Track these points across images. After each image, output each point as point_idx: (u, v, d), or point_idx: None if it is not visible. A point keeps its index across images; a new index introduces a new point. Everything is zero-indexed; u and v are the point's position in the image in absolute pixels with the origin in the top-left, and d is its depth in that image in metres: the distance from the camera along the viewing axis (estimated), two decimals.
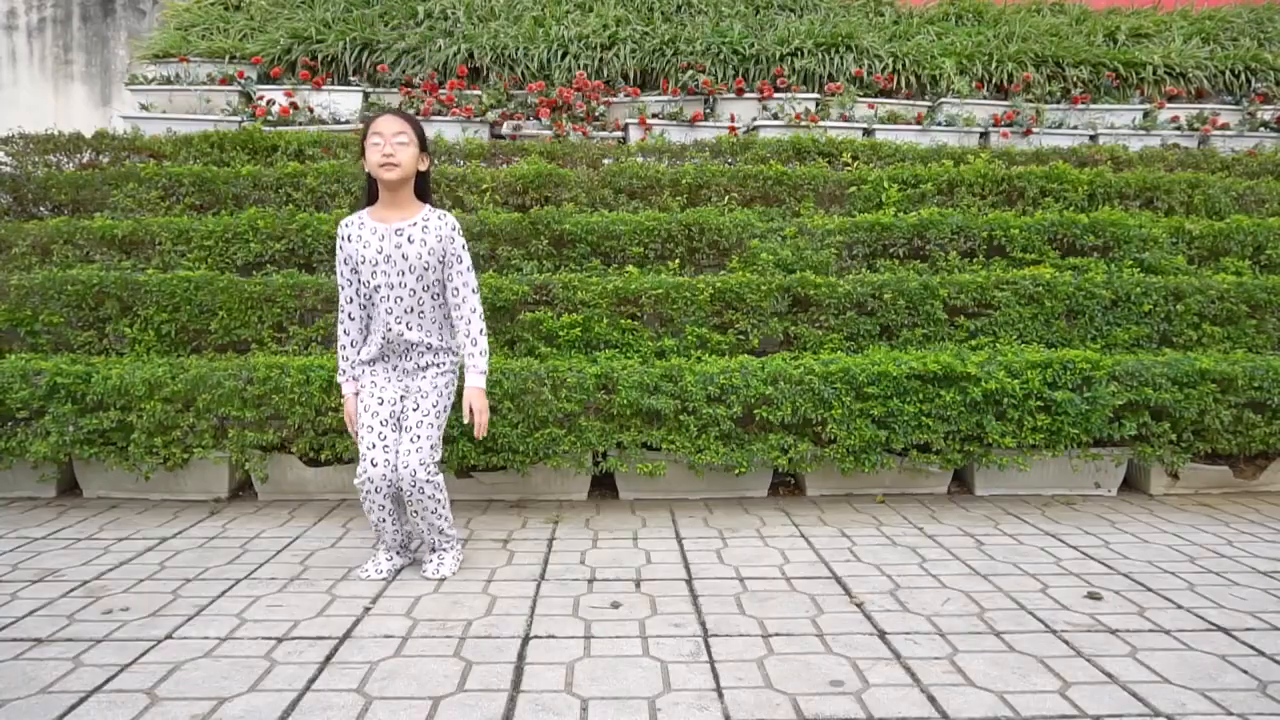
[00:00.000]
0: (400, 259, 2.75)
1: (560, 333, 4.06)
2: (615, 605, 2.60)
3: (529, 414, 3.60)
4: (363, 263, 2.77)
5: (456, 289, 2.81)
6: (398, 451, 2.74)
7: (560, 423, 3.66)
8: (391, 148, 2.70)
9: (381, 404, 2.78)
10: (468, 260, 2.83)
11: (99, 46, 9.60)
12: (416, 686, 2.07)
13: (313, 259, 4.59)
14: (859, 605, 2.61)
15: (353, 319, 2.86)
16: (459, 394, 3.39)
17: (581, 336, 4.08)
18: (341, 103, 6.51)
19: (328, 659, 2.23)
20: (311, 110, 6.42)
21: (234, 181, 5.02)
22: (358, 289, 2.84)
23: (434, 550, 2.90)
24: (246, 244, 4.52)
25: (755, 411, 3.66)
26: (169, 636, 2.37)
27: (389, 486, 2.75)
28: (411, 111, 5.97)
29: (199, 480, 3.85)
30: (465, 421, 2.79)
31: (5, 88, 9.53)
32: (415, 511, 2.78)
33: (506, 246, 4.60)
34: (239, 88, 6.56)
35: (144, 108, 6.50)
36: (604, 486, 4.04)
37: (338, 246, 2.84)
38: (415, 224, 2.79)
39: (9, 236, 4.61)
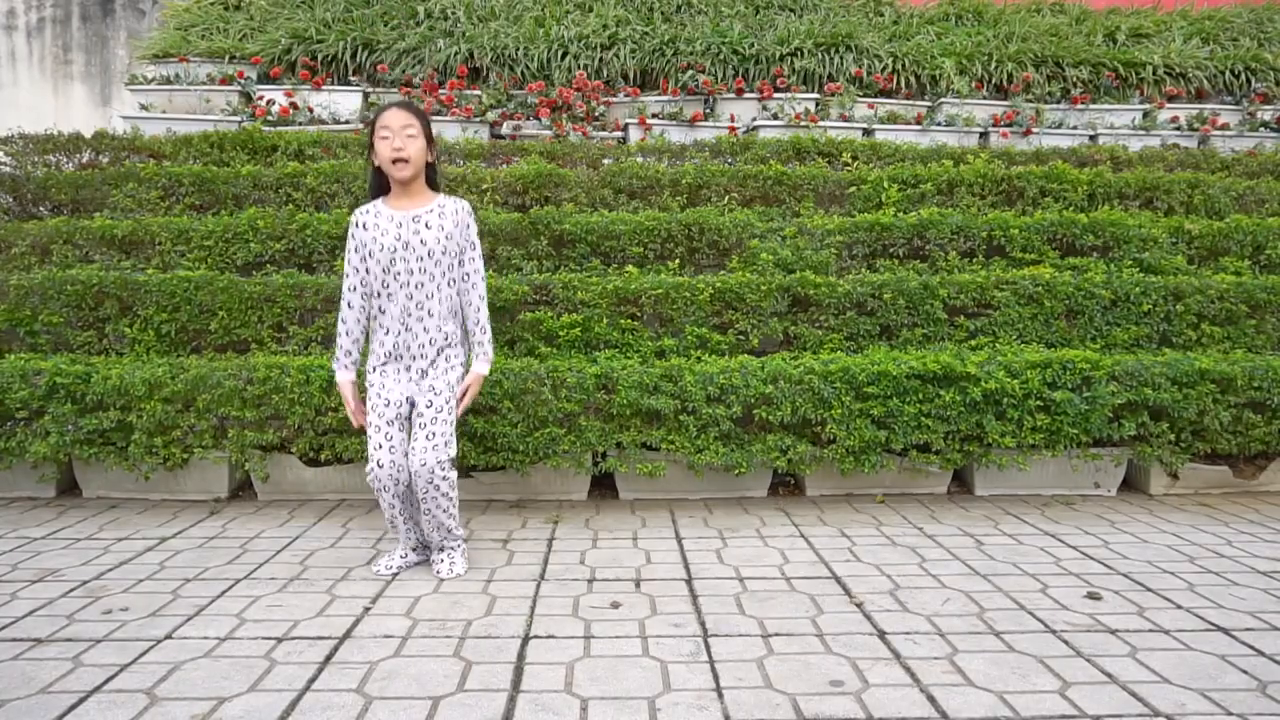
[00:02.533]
0: (419, 244, 2.77)
1: (560, 333, 4.06)
2: (615, 605, 2.60)
3: (529, 414, 3.60)
4: (380, 250, 2.78)
5: (468, 274, 2.87)
6: (406, 452, 2.75)
7: (560, 423, 3.66)
8: (401, 141, 2.74)
9: (388, 405, 2.78)
10: (480, 247, 2.89)
11: (99, 46, 9.59)
12: (416, 686, 2.08)
13: (313, 259, 4.59)
14: (859, 605, 2.61)
15: (351, 308, 2.86)
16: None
17: (581, 336, 4.08)
18: (341, 103, 6.51)
19: (327, 659, 2.23)
20: (311, 110, 6.42)
21: (234, 181, 5.02)
22: (363, 279, 2.84)
23: (441, 550, 2.91)
24: (246, 244, 4.52)
25: (755, 411, 3.66)
26: (169, 636, 2.37)
27: (396, 485, 2.76)
28: None
29: (199, 480, 3.85)
30: (457, 397, 2.84)
31: (5, 88, 9.53)
32: (427, 510, 2.78)
33: (506, 246, 4.60)
34: (239, 88, 6.56)
35: (144, 108, 6.50)
36: (604, 486, 4.04)
37: (349, 235, 2.85)
38: (433, 210, 2.82)
39: (9, 236, 4.61)
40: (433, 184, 2.92)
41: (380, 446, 2.74)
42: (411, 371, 2.85)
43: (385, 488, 2.75)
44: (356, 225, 2.84)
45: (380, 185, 2.89)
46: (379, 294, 2.82)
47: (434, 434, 2.74)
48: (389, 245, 2.77)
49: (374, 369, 2.85)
